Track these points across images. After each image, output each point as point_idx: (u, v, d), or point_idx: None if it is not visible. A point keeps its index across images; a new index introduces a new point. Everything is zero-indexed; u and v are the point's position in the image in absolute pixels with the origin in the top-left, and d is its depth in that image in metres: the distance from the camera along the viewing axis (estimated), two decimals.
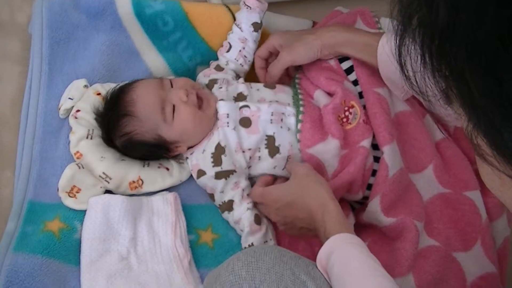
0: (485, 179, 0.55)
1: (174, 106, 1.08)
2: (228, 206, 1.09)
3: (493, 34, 0.42)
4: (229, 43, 1.23)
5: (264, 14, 1.23)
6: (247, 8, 1.21)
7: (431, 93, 0.50)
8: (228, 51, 1.23)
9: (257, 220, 1.07)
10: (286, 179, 1.08)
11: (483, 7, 0.42)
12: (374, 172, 1.09)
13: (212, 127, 1.11)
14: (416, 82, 0.51)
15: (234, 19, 1.24)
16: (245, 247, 1.06)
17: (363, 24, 1.25)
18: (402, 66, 0.52)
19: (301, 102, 1.12)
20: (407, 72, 0.52)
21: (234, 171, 1.09)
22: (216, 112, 1.11)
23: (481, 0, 0.43)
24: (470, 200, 1.12)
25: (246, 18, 1.21)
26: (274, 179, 1.11)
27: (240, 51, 1.22)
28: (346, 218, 0.94)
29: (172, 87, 1.11)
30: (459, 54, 0.44)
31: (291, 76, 1.22)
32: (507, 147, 0.45)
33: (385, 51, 1.03)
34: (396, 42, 0.50)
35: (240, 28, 1.22)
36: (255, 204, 1.09)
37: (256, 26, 1.21)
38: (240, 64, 1.22)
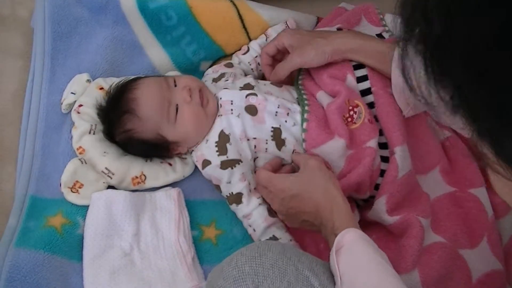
0: (496, 187, 0.55)
1: (177, 106, 1.08)
2: (237, 199, 1.08)
3: (487, 37, 0.43)
4: (248, 47, 1.24)
5: None
6: (286, 27, 1.24)
7: (437, 104, 0.51)
8: (244, 53, 1.23)
9: (271, 213, 1.07)
10: (293, 167, 1.07)
11: (476, 10, 0.43)
12: (382, 173, 1.08)
13: (212, 125, 1.10)
14: (422, 93, 0.52)
15: (239, 14, 1.23)
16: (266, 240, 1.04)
17: (367, 22, 1.23)
18: (406, 78, 0.53)
19: (306, 102, 1.11)
20: (412, 83, 0.53)
21: (240, 160, 1.08)
22: (217, 108, 1.10)
23: (474, 3, 0.43)
24: (476, 197, 1.12)
25: None
26: (282, 163, 1.10)
27: (255, 57, 1.23)
28: (353, 215, 0.93)
29: (175, 86, 1.10)
30: (455, 63, 0.45)
31: (293, 77, 1.20)
32: (509, 155, 0.45)
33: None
34: (400, 55, 0.52)
35: (267, 39, 1.23)
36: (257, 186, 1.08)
37: None
38: (251, 68, 1.23)
